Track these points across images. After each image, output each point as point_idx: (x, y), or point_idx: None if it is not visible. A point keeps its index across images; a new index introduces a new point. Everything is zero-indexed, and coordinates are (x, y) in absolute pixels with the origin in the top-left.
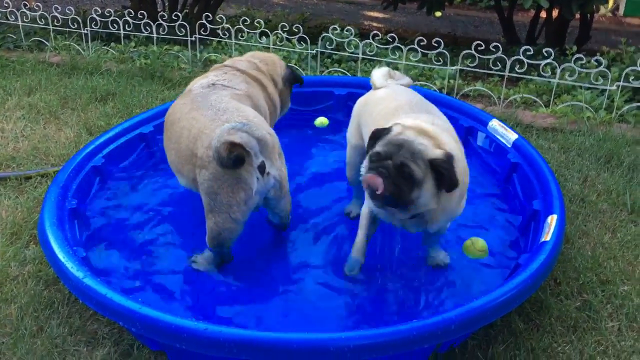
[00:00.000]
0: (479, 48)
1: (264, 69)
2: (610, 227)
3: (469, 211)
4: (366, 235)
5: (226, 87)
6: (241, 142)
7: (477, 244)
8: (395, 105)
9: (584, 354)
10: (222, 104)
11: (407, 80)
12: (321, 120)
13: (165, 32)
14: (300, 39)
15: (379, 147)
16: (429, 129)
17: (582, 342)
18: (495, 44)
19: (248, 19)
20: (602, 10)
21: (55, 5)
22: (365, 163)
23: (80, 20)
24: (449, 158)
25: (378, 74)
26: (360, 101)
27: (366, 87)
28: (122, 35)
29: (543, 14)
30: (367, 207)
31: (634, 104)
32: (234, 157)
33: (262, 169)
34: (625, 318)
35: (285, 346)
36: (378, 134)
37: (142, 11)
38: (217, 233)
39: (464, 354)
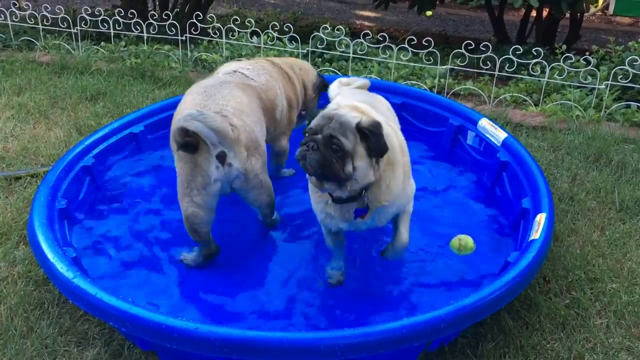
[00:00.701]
0: (469, 47)
1: (297, 72)
2: (599, 225)
3: (458, 209)
4: (338, 254)
5: (245, 76)
6: (194, 130)
7: (464, 242)
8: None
9: (572, 350)
10: (215, 89)
11: (362, 81)
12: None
13: (156, 31)
14: (291, 39)
15: (312, 123)
16: (361, 106)
17: (571, 339)
18: (485, 43)
19: (239, 18)
20: (592, 9)
21: (45, 5)
22: None
23: (70, 19)
24: (376, 123)
25: (330, 89)
26: None
27: None
28: (112, 34)
29: (533, 13)
30: (322, 224)
31: (623, 103)
32: (184, 142)
33: (221, 158)
34: (614, 315)
35: (276, 345)
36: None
37: (133, 10)
38: (186, 217)
39: (454, 352)
